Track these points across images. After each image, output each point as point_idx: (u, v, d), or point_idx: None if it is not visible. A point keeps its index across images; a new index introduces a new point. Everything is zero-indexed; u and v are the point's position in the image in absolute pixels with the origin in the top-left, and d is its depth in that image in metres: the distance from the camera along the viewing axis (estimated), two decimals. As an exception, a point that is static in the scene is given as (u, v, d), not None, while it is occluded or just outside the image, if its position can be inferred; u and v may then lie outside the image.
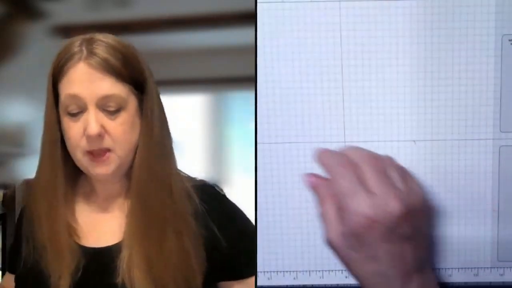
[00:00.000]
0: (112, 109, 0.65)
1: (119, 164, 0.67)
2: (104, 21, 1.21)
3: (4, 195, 1.30)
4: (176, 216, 0.68)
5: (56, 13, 1.22)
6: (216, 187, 0.75)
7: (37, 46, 1.22)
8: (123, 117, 0.66)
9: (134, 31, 1.21)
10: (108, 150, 0.65)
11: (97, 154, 0.65)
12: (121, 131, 0.66)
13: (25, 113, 1.23)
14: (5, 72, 1.26)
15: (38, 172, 0.70)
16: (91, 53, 0.64)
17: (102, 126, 0.64)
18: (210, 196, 0.72)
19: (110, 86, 0.65)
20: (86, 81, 0.64)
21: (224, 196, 0.75)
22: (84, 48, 0.65)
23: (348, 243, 0.58)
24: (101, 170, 0.66)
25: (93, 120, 0.64)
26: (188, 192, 0.70)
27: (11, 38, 1.24)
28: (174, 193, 0.69)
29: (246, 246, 0.72)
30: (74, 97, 0.64)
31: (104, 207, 0.72)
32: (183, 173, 0.74)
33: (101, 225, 0.71)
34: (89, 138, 0.64)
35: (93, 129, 0.63)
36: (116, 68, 0.65)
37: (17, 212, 0.79)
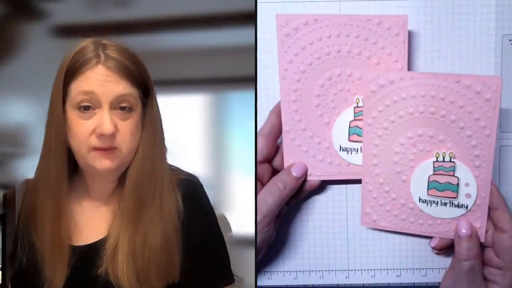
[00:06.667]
0: (124, 109, 0.69)
1: (121, 162, 0.70)
2: (104, 21, 1.21)
3: (4, 195, 1.30)
4: (163, 212, 0.70)
5: (56, 13, 1.22)
6: (199, 186, 0.77)
7: (37, 46, 1.22)
8: (132, 118, 0.69)
9: (134, 31, 1.21)
10: (115, 147, 0.69)
11: (105, 150, 0.69)
12: (129, 132, 0.69)
13: (25, 113, 1.23)
14: (5, 72, 1.26)
15: (40, 170, 0.72)
16: (108, 57, 0.68)
17: (114, 126, 0.68)
18: (191, 196, 0.74)
19: (125, 87, 0.68)
20: (104, 81, 0.67)
21: (203, 197, 0.76)
22: (101, 53, 0.68)
23: None
24: (107, 163, 0.69)
25: (108, 120, 0.67)
26: (173, 189, 0.73)
27: (11, 38, 1.24)
28: (165, 191, 0.72)
29: (208, 258, 0.74)
30: (89, 94, 0.67)
31: (96, 207, 0.74)
32: (172, 166, 0.77)
33: (92, 225, 0.73)
34: (101, 136, 0.67)
35: (108, 128, 0.67)
36: (132, 72, 0.69)
37: (17, 212, 0.80)
